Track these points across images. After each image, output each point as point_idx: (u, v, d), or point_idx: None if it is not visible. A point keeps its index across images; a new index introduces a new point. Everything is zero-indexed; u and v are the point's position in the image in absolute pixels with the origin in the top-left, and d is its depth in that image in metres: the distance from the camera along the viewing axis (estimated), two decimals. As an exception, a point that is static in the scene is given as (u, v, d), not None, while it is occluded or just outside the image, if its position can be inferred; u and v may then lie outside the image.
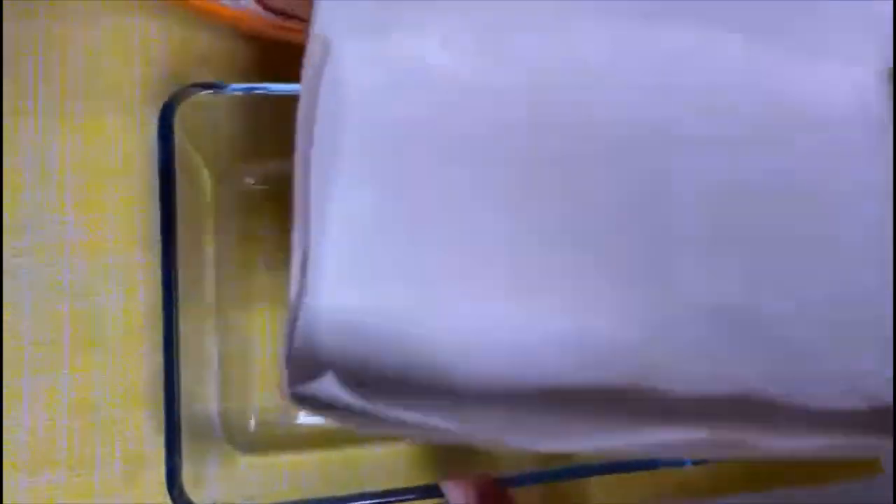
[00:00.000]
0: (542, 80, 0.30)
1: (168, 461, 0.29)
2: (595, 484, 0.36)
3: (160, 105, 0.33)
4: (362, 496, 0.29)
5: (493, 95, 0.30)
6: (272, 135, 0.34)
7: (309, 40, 0.26)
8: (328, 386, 0.23)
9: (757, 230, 0.31)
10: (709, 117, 0.31)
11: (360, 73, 0.28)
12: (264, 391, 0.34)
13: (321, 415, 0.23)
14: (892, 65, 0.32)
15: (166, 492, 0.28)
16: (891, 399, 0.28)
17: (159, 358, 0.28)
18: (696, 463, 0.33)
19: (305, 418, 0.34)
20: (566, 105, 0.30)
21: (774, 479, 0.38)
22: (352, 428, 0.23)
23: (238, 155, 0.35)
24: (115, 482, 0.32)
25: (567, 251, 0.29)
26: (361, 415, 0.23)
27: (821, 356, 0.29)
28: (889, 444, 0.25)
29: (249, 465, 0.34)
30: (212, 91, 0.30)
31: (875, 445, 0.26)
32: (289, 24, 0.33)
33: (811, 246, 0.31)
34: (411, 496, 0.29)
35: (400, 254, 0.28)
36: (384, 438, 0.33)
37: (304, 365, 0.25)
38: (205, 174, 0.35)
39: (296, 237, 0.24)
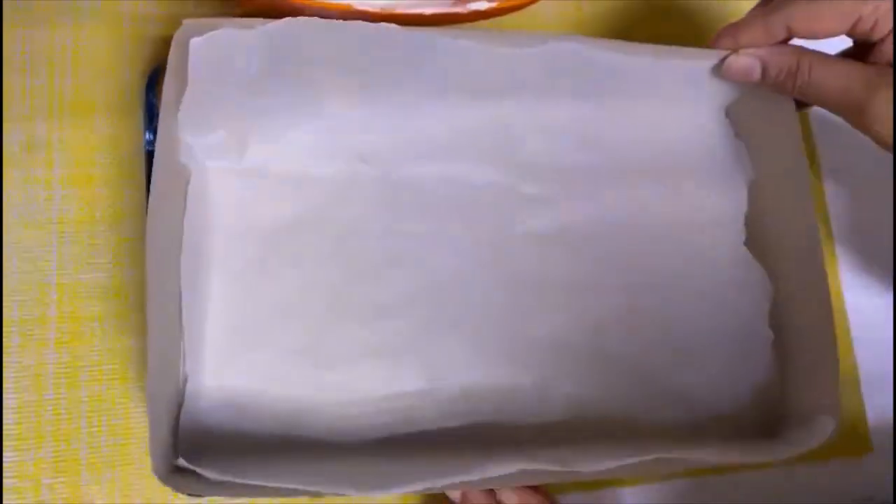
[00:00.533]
0: (389, 161, 0.34)
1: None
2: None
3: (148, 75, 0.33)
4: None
5: (346, 189, 0.34)
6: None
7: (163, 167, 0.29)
8: (205, 465, 0.26)
9: (604, 272, 0.35)
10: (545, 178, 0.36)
11: (222, 186, 0.33)
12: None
13: (194, 491, 0.27)
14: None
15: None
16: (716, 406, 0.34)
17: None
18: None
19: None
20: (411, 182, 0.34)
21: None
22: (224, 496, 0.28)
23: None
24: (102, 457, 0.32)
25: (423, 314, 0.33)
26: (232, 486, 0.27)
27: (658, 377, 0.34)
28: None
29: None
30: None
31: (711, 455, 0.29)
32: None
33: (646, 282, 0.35)
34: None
35: (269, 336, 0.32)
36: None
37: (191, 439, 0.29)
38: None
39: (158, 334, 0.27)
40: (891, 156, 0.31)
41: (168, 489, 0.28)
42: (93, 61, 0.35)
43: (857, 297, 0.41)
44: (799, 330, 0.34)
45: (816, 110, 0.37)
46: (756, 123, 0.36)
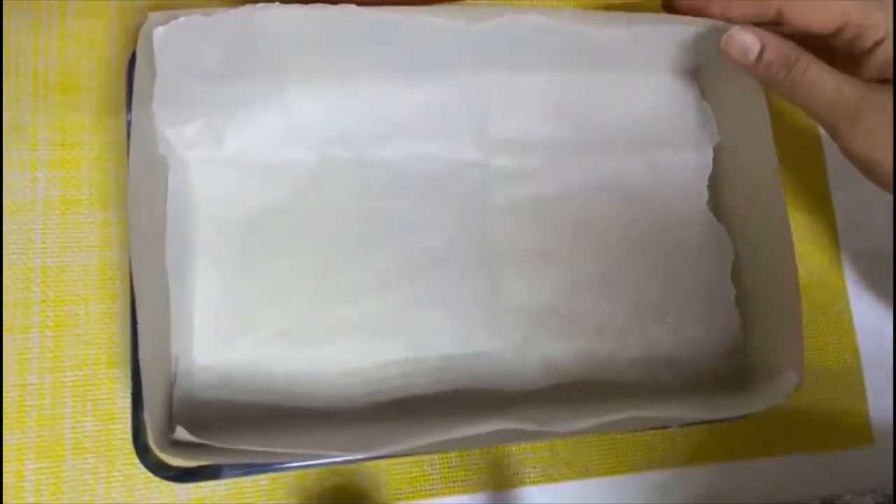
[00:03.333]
0: (360, 143, 0.34)
1: (134, 419, 0.29)
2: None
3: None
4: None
5: (321, 173, 0.34)
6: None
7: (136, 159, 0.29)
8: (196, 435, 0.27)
9: (573, 242, 0.36)
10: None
11: (202, 176, 0.33)
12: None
13: (195, 457, 0.28)
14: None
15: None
16: (687, 364, 0.35)
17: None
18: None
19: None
20: (384, 163, 0.35)
21: (762, 448, 0.38)
22: (220, 462, 0.29)
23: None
24: (86, 440, 0.32)
25: (403, 290, 0.34)
26: (230, 452, 0.27)
27: (630, 339, 0.35)
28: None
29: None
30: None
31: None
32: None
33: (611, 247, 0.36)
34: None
35: (256, 319, 0.32)
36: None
37: (185, 415, 0.30)
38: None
39: (147, 316, 0.28)
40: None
41: (151, 474, 0.29)
42: (78, 41, 0.35)
43: (859, 294, 0.41)
44: (764, 288, 0.35)
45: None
46: (722, 87, 0.37)
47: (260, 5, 0.29)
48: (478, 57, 0.34)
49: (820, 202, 0.41)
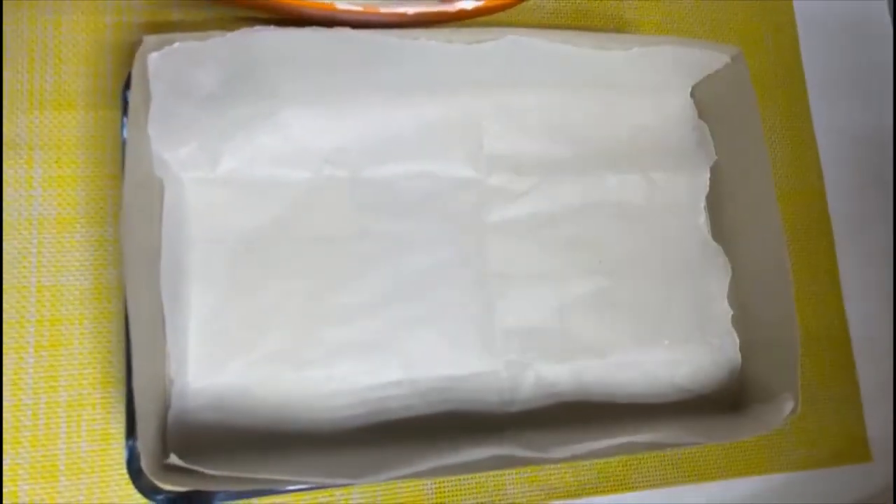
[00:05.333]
0: (356, 163, 0.34)
1: (128, 443, 0.29)
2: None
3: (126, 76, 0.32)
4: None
5: (317, 192, 0.34)
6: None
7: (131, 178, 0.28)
8: (193, 463, 0.27)
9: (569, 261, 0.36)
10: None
11: (198, 196, 0.33)
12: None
13: (188, 483, 0.27)
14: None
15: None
16: (682, 385, 0.35)
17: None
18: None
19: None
20: (379, 182, 0.35)
21: (764, 466, 0.37)
22: (212, 488, 0.28)
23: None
24: (80, 461, 0.31)
25: (398, 311, 0.34)
26: (222, 480, 0.27)
27: (626, 358, 0.35)
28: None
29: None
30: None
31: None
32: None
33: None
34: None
35: (251, 340, 0.32)
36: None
37: (179, 438, 0.30)
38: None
39: (140, 339, 0.27)
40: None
41: (145, 498, 0.28)
42: (74, 56, 0.34)
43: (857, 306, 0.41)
44: (761, 308, 0.35)
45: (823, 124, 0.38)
46: (718, 106, 0.37)
47: (255, 28, 0.29)
48: (474, 77, 0.34)
49: (819, 217, 0.42)
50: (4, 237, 0.33)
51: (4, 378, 0.32)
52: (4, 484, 0.31)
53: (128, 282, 0.27)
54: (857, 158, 0.43)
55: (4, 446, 0.31)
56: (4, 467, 0.31)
